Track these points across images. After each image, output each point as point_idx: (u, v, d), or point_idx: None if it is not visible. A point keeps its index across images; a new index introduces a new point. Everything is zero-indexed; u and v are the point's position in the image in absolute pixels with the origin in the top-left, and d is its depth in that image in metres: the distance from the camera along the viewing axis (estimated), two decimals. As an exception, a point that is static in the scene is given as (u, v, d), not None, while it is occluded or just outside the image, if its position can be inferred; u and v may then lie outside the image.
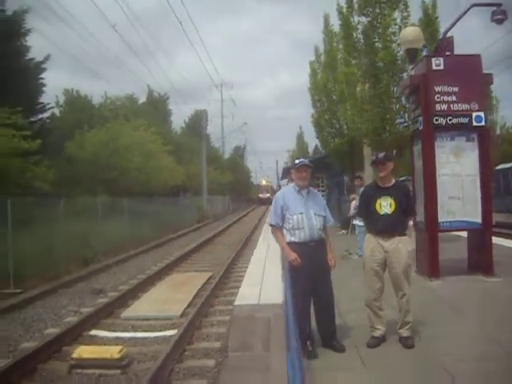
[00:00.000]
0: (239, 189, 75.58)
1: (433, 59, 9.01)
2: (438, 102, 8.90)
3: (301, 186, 5.77)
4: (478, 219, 8.98)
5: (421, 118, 9.09)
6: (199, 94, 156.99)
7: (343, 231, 17.43)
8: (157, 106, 56.93)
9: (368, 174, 16.55)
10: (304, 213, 5.66)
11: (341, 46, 16.41)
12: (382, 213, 5.81)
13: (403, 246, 5.79)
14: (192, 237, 26.88)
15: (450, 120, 8.86)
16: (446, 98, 8.89)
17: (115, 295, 11.58)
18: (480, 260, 9.07)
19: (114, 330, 9.10)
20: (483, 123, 9.04)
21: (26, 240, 14.13)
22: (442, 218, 8.89)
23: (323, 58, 20.72)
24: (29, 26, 22.60)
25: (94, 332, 8.92)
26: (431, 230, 8.89)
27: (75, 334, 8.61)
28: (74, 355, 7.10)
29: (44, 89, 24.93)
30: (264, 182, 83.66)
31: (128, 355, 7.26)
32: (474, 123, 8.90)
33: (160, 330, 8.99)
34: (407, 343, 5.69)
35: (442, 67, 8.92)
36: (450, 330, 6.21)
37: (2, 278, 12.17)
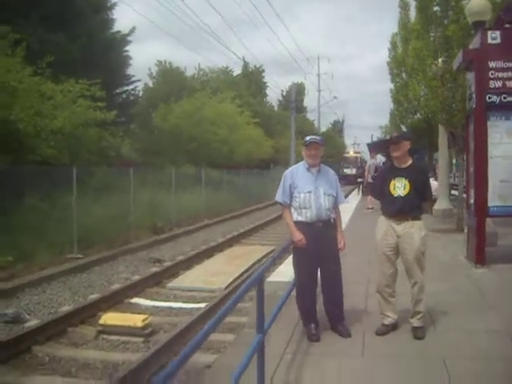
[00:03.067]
0: (332, 162, 74.16)
1: (489, 32, 8.26)
2: (493, 79, 8.16)
3: (310, 163, 5.54)
4: (532, 205, 8.26)
5: (474, 96, 8.44)
6: (299, 68, 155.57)
7: None
8: (251, 79, 56.93)
9: (443, 153, 15.77)
10: (312, 191, 5.43)
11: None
12: (395, 194, 5.48)
13: (416, 231, 5.42)
14: (271, 210, 26.89)
15: (504, 98, 8.14)
16: (501, 75, 8.14)
17: (169, 265, 11.84)
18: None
19: (155, 299, 9.34)
20: (542, 101, 8.22)
21: (97, 207, 14.66)
22: (492, 202, 8.26)
23: (402, 32, 19.82)
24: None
25: (134, 300, 9.21)
26: (479, 215, 8.30)
27: (116, 300, 8.91)
28: (101, 321, 7.39)
29: (137, 61, 25.70)
30: (352, 153, 61.49)
31: (152, 324, 7.44)
32: (532, 102, 8.14)
33: (199, 302, 9.13)
34: (417, 334, 5.39)
35: (498, 41, 8.16)
36: (472, 323, 5.76)
37: (69, 244, 12.69)
